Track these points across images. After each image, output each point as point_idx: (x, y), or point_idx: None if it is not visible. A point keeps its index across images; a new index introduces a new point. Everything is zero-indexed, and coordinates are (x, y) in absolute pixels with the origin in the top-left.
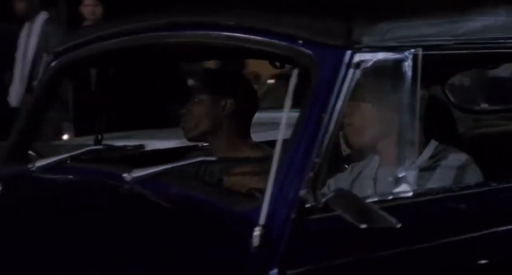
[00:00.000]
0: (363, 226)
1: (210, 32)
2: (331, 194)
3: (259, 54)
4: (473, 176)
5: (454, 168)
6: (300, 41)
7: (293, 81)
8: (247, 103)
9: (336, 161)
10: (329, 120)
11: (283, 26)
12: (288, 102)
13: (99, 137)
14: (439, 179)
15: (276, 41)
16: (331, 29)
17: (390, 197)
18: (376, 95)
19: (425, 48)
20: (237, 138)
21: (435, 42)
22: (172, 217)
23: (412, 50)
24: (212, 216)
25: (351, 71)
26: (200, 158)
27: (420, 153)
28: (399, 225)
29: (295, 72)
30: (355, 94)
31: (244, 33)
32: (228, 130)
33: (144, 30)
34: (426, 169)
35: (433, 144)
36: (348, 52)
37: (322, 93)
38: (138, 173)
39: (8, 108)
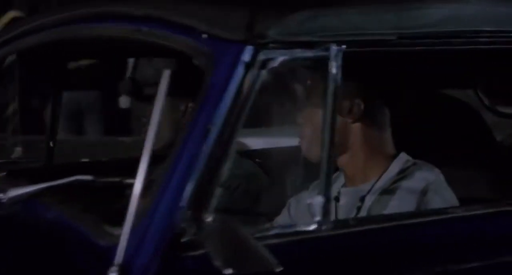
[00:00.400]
0: (228, 272)
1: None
2: (207, 226)
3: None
4: (437, 201)
5: (416, 191)
6: (201, 35)
7: (163, 84)
8: None
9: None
10: (220, 132)
11: (180, 15)
12: (157, 108)
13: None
14: (397, 206)
15: (174, 34)
16: (229, 19)
17: (305, 229)
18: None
19: (352, 44)
20: None
21: (370, 37)
22: (27, 246)
23: (337, 47)
24: (72, 249)
25: (253, 72)
26: (74, 178)
27: (384, 171)
28: (279, 269)
29: (166, 74)
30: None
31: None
32: None
33: (54, 24)
34: (385, 192)
35: (401, 158)
36: (249, 49)
37: (212, 99)
38: (14, 192)
39: None
